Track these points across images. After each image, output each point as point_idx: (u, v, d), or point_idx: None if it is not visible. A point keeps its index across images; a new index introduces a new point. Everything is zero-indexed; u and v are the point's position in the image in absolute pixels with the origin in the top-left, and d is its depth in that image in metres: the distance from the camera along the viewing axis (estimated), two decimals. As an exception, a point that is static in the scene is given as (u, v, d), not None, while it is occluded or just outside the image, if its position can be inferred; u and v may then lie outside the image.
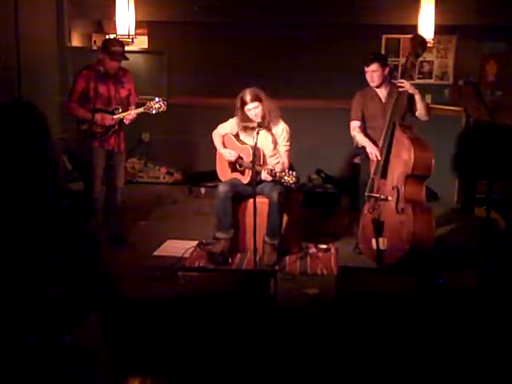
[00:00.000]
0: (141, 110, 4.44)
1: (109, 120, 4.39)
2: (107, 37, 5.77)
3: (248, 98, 4.14)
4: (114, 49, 4.36)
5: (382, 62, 4.36)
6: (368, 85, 4.45)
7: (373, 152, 4.23)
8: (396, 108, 4.19)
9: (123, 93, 4.51)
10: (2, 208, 1.81)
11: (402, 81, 4.22)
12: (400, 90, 4.19)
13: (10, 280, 1.79)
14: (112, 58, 4.35)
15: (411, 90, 4.19)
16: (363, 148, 4.40)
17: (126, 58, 4.47)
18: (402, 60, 6.65)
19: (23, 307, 1.79)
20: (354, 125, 4.47)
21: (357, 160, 6.04)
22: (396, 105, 4.19)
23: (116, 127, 4.47)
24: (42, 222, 1.82)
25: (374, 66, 4.31)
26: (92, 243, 1.98)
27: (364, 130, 4.47)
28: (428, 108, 4.32)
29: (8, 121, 1.91)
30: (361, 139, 4.40)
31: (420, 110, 4.26)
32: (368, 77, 4.37)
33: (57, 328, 1.81)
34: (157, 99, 4.45)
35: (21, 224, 1.80)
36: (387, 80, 4.43)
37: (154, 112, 4.44)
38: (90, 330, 1.91)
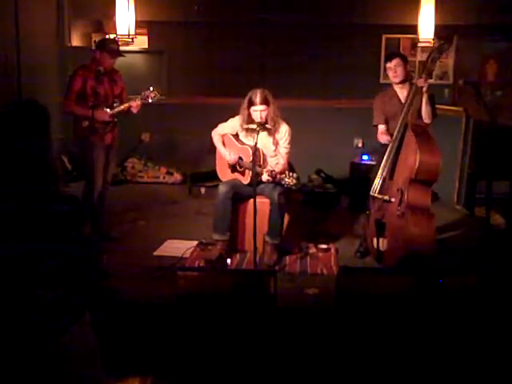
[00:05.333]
0: (138, 98, 4.59)
1: (107, 116, 4.55)
2: (107, 37, 5.84)
3: (258, 99, 4.15)
4: (114, 47, 4.59)
5: (404, 58, 4.37)
6: (389, 86, 4.42)
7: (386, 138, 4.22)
8: (410, 108, 4.13)
9: (116, 90, 4.70)
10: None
11: (422, 78, 4.14)
12: (418, 84, 4.13)
13: (4, 282, 1.78)
14: (112, 56, 4.55)
15: (424, 89, 4.13)
16: (381, 146, 4.33)
17: (124, 55, 4.72)
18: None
19: (17, 309, 1.78)
20: (381, 129, 4.39)
21: (357, 160, 6.08)
22: (410, 104, 4.13)
23: (115, 120, 4.63)
24: (37, 223, 1.81)
25: (396, 61, 4.28)
26: (86, 245, 1.97)
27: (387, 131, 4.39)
28: (432, 113, 4.24)
29: (6, 122, 1.89)
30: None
31: (423, 113, 4.23)
32: (391, 73, 4.32)
33: (50, 330, 1.81)
34: (151, 88, 4.63)
35: (16, 225, 1.79)
36: (408, 79, 4.37)
37: (150, 101, 4.62)
38: (82, 332, 1.91)
